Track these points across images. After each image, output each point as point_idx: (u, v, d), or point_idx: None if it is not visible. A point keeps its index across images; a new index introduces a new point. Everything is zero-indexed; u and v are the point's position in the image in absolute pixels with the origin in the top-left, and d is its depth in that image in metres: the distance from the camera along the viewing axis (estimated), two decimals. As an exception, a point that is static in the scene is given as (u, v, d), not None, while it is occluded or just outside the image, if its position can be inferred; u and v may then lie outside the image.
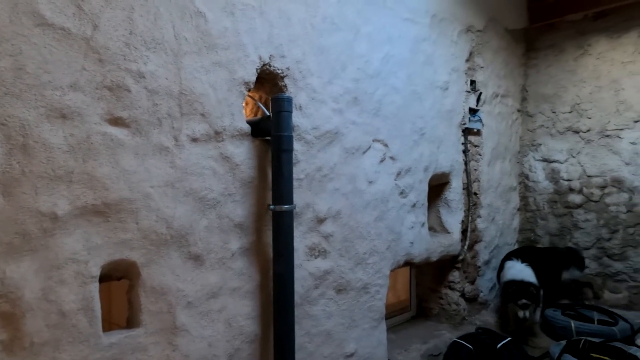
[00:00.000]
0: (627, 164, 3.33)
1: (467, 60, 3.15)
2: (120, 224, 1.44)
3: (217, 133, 1.69)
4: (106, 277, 1.49)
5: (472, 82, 3.18)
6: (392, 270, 2.54)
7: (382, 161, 2.44)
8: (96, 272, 1.40)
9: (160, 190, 1.53)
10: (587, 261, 3.49)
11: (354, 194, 2.26)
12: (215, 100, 1.68)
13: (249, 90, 1.83)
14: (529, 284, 2.87)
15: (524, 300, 2.81)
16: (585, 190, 3.53)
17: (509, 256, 3.17)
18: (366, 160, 2.35)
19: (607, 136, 3.42)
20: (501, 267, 3.18)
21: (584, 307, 3.20)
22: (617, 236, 3.38)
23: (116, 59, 1.42)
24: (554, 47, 3.68)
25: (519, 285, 2.86)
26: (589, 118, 3.51)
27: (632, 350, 2.47)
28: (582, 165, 3.54)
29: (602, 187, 3.45)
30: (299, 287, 2.00)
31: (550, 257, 3.31)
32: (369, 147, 2.37)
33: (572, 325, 2.86)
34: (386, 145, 2.47)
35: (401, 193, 2.59)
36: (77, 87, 1.34)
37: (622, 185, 3.35)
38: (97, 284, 1.41)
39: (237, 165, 1.76)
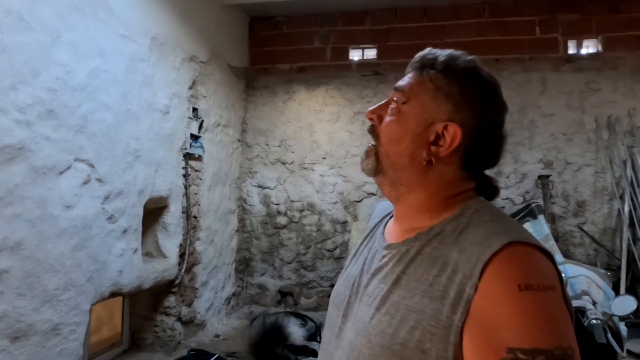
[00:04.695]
0: (318, 191, 4.13)
1: (190, 88, 3.25)
2: None
3: None
4: None
5: (195, 110, 3.31)
6: (94, 304, 2.30)
7: (85, 183, 2.21)
8: None
9: None
10: (289, 274, 4.10)
11: (43, 221, 1.94)
12: None
13: None
14: None
15: None
16: (289, 213, 4.16)
17: None
18: (64, 182, 2.07)
19: (305, 168, 4.16)
20: None
21: (284, 314, 3.71)
22: (310, 251, 4.11)
23: None
24: (268, 89, 4.25)
25: None
26: (293, 152, 4.19)
27: (313, 345, 3.03)
28: (287, 192, 4.17)
29: (301, 210, 4.15)
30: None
31: None
32: (69, 167, 2.10)
33: (273, 332, 3.26)
34: (92, 166, 2.25)
35: (110, 218, 2.39)
36: None
37: (314, 209, 4.13)
38: None
39: None
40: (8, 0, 1.75)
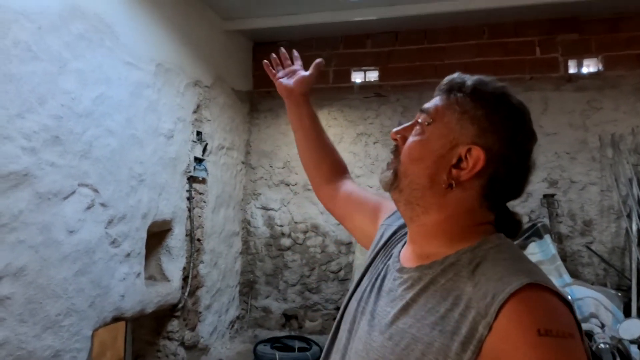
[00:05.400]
0: (322, 212, 4.12)
1: (194, 112, 3.30)
2: None
3: None
4: None
5: (199, 133, 3.35)
6: (96, 330, 2.29)
7: (89, 208, 2.23)
8: None
9: None
10: (293, 296, 4.06)
11: (46, 246, 1.96)
12: None
13: None
14: None
15: None
16: (293, 234, 4.15)
17: None
18: (68, 207, 2.09)
19: (309, 189, 4.16)
20: None
21: (288, 338, 3.67)
22: (315, 273, 4.08)
23: None
24: (271, 111, 4.30)
25: None
26: (297, 174, 4.20)
27: (317, 370, 2.98)
28: (291, 213, 4.17)
29: (305, 232, 4.13)
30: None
31: None
32: (73, 192, 2.13)
33: (277, 356, 3.22)
34: (96, 191, 2.27)
35: (113, 242, 2.40)
36: None
37: (318, 230, 4.11)
38: None
39: None
40: (17, 31, 1.81)
